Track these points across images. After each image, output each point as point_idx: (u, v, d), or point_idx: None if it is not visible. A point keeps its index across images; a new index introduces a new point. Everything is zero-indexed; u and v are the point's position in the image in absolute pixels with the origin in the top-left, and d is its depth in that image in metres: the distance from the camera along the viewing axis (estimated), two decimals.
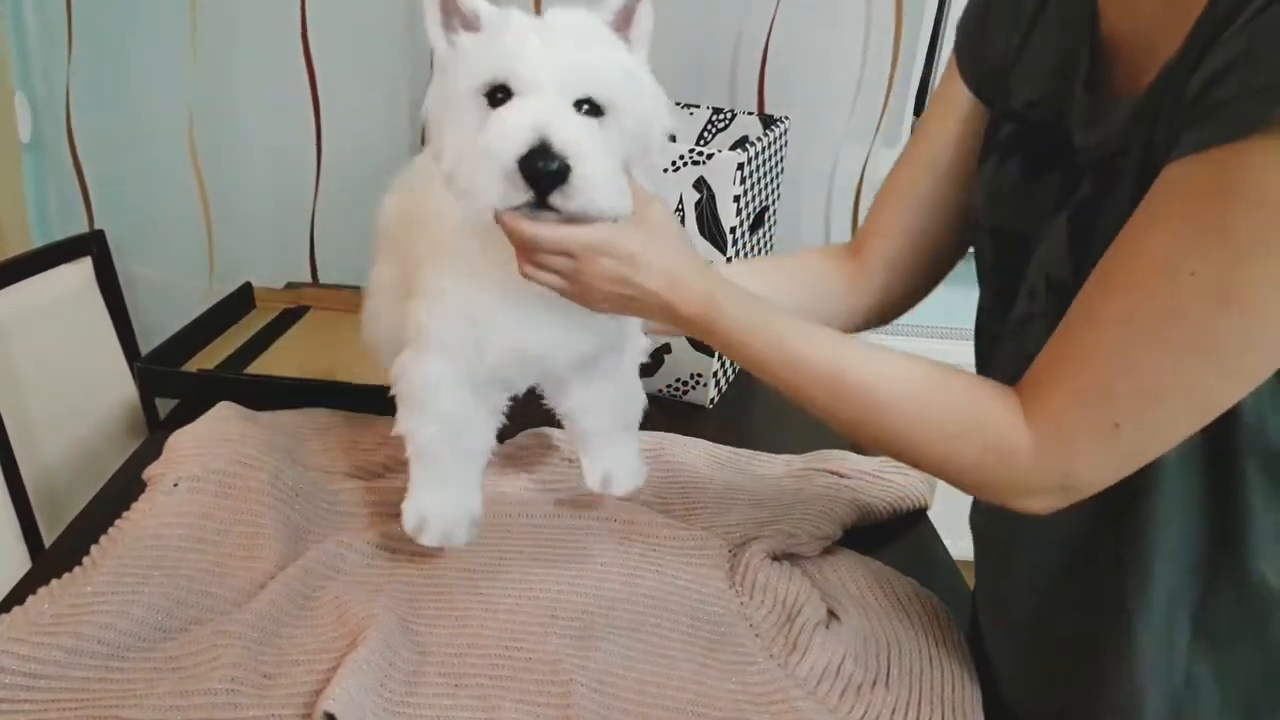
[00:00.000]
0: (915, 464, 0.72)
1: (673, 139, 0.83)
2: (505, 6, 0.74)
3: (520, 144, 0.67)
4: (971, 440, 0.66)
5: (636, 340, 0.96)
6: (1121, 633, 0.70)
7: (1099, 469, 0.63)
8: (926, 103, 1.98)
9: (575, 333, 0.82)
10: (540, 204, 0.69)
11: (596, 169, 0.69)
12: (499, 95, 0.71)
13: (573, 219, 0.71)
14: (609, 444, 0.97)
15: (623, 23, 0.76)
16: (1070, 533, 0.73)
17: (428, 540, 0.87)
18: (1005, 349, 0.78)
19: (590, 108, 0.71)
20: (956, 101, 0.86)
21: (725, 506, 1.07)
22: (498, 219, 0.71)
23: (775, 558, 0.98)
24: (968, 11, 0.87)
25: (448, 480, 0.88)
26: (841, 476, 1.13)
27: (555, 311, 0.81)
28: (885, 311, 0.95)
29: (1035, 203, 0.72)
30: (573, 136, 0.68)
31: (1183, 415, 0.60)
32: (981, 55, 0.83)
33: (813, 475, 1.14)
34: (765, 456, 1.18)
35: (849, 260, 0.94)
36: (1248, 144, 0.53)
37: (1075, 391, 0.62)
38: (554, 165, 0.67)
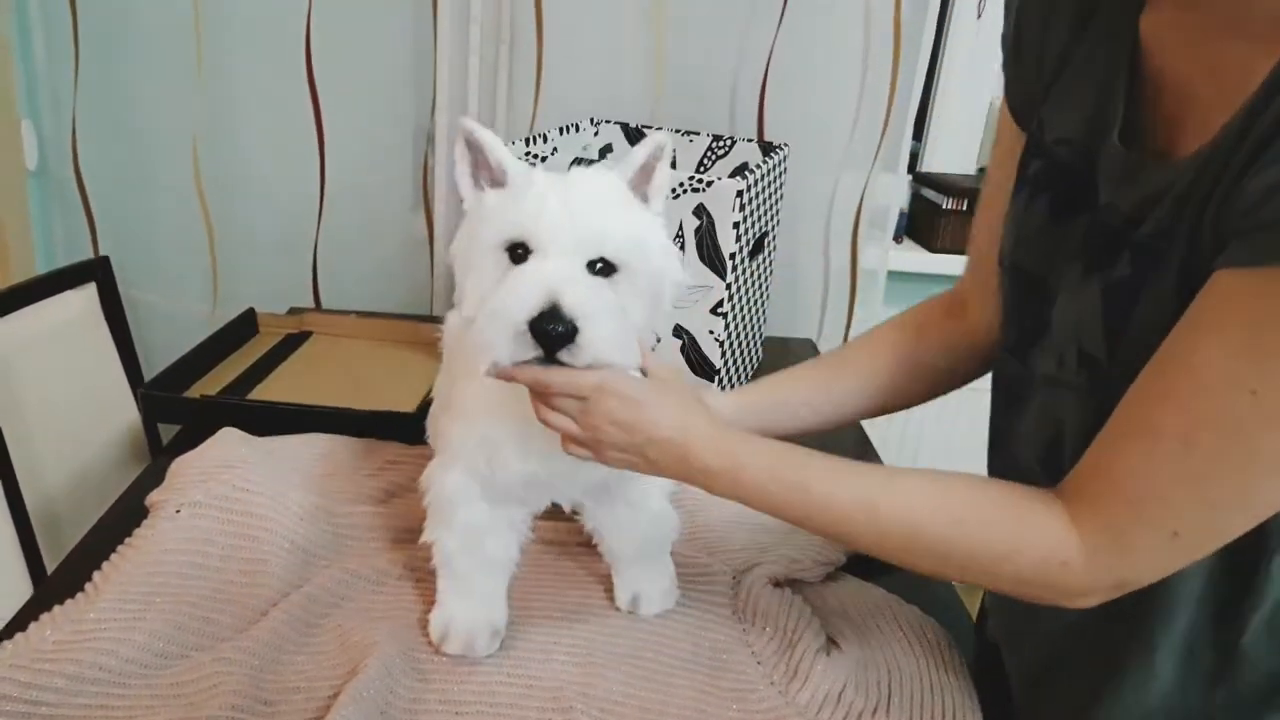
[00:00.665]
0: (971, 583, 0.72)
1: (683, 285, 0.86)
2: (531, 167, 0.79)
3: (532, 306, 0.70)
4: (1023, 556, 0.66)
5: None
6: (1143, 667, 0.71)
7: (1155, 569, 0.64)
8: (926, 128, 2.00)
9: (586, 466, 0.83)
10: (549, 359, 0.72)
11: (603, 329, 0.72)
12: (519, 251, 0.74)
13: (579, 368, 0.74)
14: (636, 566, 0.96)
15: (643, 178, 0.80)
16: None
17: (450, 649, 0.88)
18: (1032, 403, 0.77)
19: (604, 265, 0.75)
20: (1006, 135, 0.84)
21: (729, 531, 1.07)
22: (503, 374, 0.75)
23: (778, 584, 0.98)
24: (1005, 28, 0.84)
25: (472, 591, 0.89)
26: None
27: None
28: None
29: (1060, 247, 0.71)
30: (581, 299, 0.71)
31: (1240, 520, 0.60)
32: (1018, 76, 0.82)
33: None
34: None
35: (949, 322, 0.95)
36: None
37: (1132, 503, 0.62)
38: (562, 328, 0.70)
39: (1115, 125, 0.69)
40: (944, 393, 0.95)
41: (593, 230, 0.74)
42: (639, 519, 0.93)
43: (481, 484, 0.86)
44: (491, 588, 0.90)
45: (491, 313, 0.72)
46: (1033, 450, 0.76)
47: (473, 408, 0.87)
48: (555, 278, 0.72)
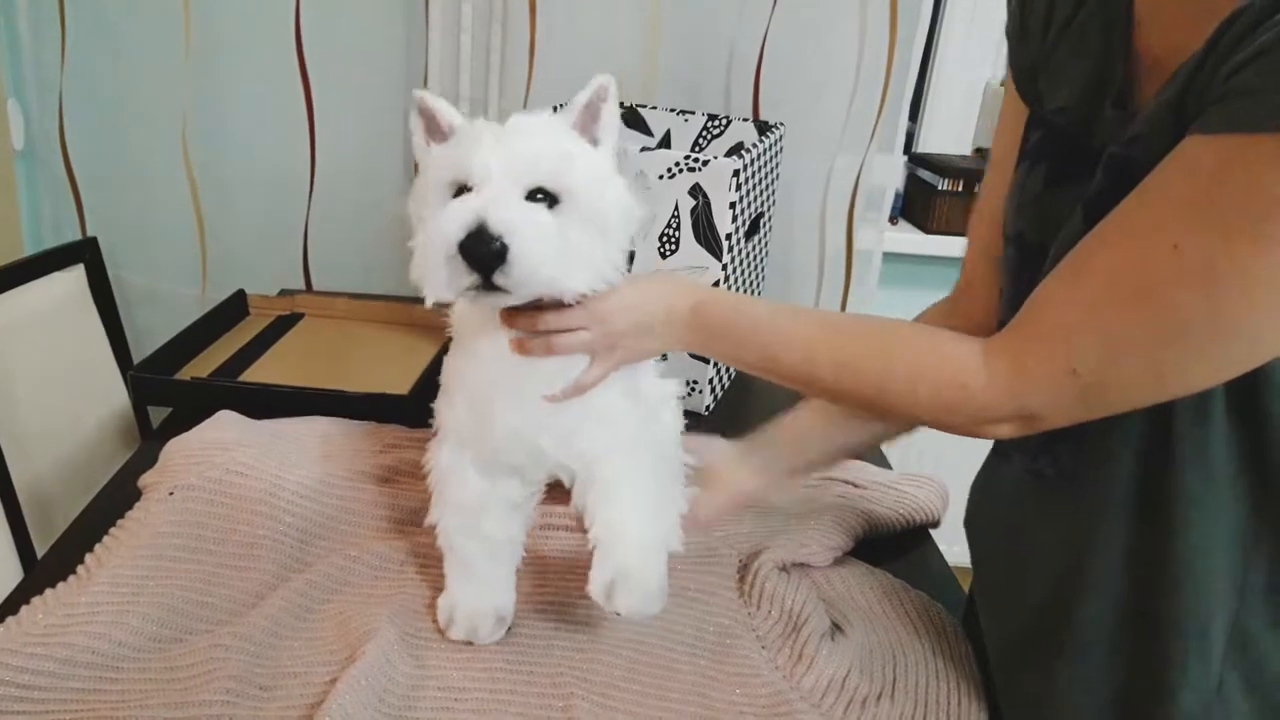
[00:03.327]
0: (888, 410, 0.75)
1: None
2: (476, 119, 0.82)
3: (459, 229, 0.72)
4: (926, 381, 0.70)
5: (661, 452, 0.91)
6: (1166, 660, 0.70)
7: (1055, 405, 0.65)
8: (922, 108, 1.99)
9: (568, 414, 0.84)
10: (487, 284, 0.73)
11: (534, 246, 0.73)
12: (461, 191, 0.76)
13: (527, 297, 0.77)
14: (621, 549, 0.82)
15: (589, 120, 0.82)
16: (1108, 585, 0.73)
17: (454, 634, 0.87)
18: None
19: (545, 196, 0.76)
20: (1011, 112, 0.85)
21: (738, 516, 1.06)
22: (508, 321, 0.80)
23: (785, 568, 0.97)
24: (1010, 5, 0.84)
25: (477, 576, 0.89)
26: (856, 487, 1.13)
27: (549, 396, 0.84)
28: None
29: (1057, 213, 0.72)
30: (507, 217, 0.72)
31: (1141, 381, 0.62)
32: (1022, 50, 0.82)
33: (828, 485, 1.14)
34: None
35: (951, 321, 0.92)
36: (1257, 140, 0.53)
37: (1040, 332, 0.65)
38: (493, 245, 0.71)
39: (1111, 91, 0.70)
40: None
41: (525, 159, 0.76)
42: (632, 497, 0.87)
43: (473, 455, 0.86)
44: (495, 572, 0.89)
45: (425, 243, 0.75)
46: None
47: (454, 381, 0.88)
48: (482, 201, 0.73)
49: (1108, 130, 0.69)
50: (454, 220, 0.72)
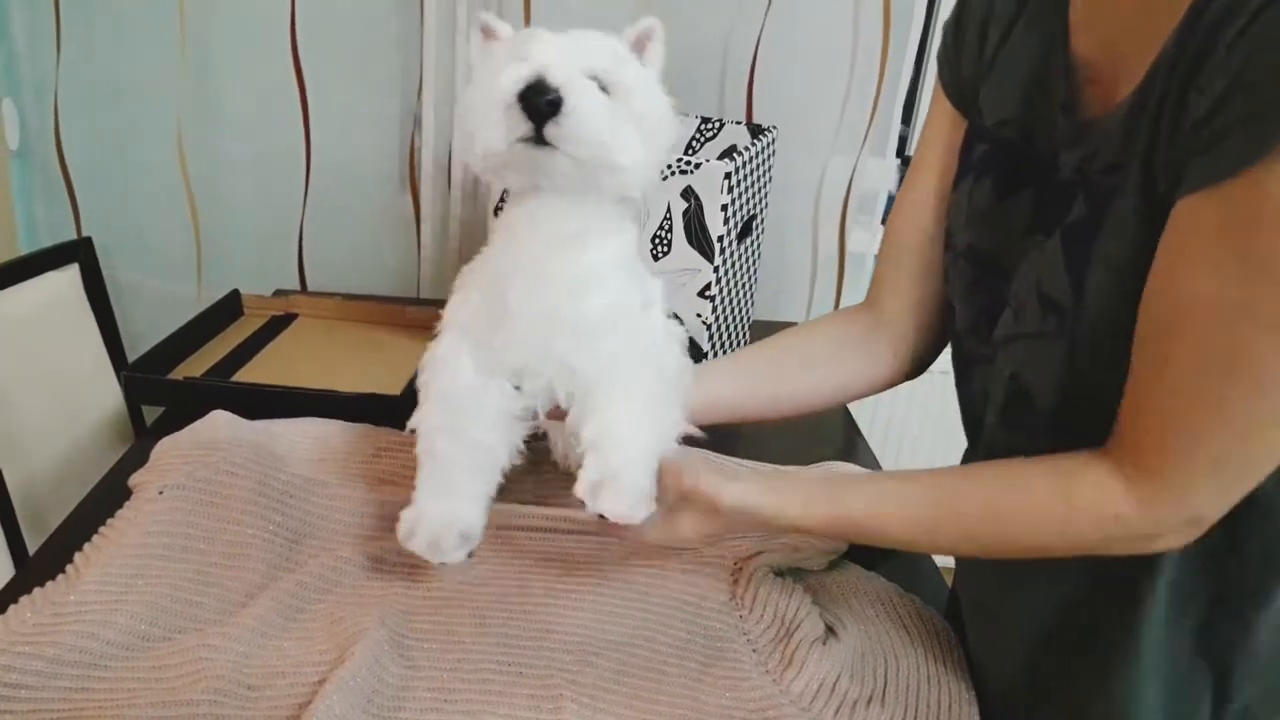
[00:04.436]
0: (1044, 556, 0.73)
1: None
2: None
3: (519, 80, 0.74)
4: (1075, 524, 0.67)
5: (664, 377, 0.87)
6: (1125, 661, 0.71)
7: (1216, 498, 0.64)
8: (915, 112, 1.99)
9: (585, 317, 0.83)
10: (539, 138, 0.75)
11: (591, 105, 0.75)
12: None
13: (575, 158, 0.77)
14: (611, 451, 0.81)
15: (638, 47, 0.84)
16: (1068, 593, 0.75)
17: (414, 546, 0.86)
18: (981, 369, 0.78)
19: (598, 85, 0.78)
20: (944, 122, 0.86)
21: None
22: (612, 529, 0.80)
23: (779, 573, 0.97)
24: (948, 20, 0.87)
25: (449, 486, 0.87)
26: None
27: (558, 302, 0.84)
28: (921, 359, 0.94)
29: (1009, 223, 0.73)
30: (568, 76, 0.74)
31: (1275, 434, 0.61)
32: (959, 65, 0.83)
33: None
34: (769, 469, 1.17)
35: (864, 317, 0.94)
36: (1257, 171, 0.53)
37: (1166, 442, 0.63)
38: (550, 96, 0.73)
39: (1057, 101, 0.71)
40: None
41: (584, 49, 0.79)
42: (629, 400, 0.84)
43: (472, 346, 0.85)
44: (470, 484, 0.87)
45: (481, 96, 0.77)
46: (994, 414, 0.77)
47: (468, 279, 0.89)
48: (543, 61, 0.75)
49: (1061, 138, 0.70)
50: (514, 73, 0.74)
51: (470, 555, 0.88)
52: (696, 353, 1.32)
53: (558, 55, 0.76)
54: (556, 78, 0.73)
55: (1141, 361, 0.63)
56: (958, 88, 0.84)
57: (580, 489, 0.79)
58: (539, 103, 0.73)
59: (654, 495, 0.81)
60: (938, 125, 0.87)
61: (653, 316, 0.89)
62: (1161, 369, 0.62)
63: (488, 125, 0.76)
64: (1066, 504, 0.67)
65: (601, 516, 0.78)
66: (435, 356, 0.87)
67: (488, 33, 0.85)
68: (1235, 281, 0.56)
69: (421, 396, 0.87)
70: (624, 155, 0.78)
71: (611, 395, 0.82)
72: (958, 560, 0.93)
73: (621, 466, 0.79)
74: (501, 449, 0.88)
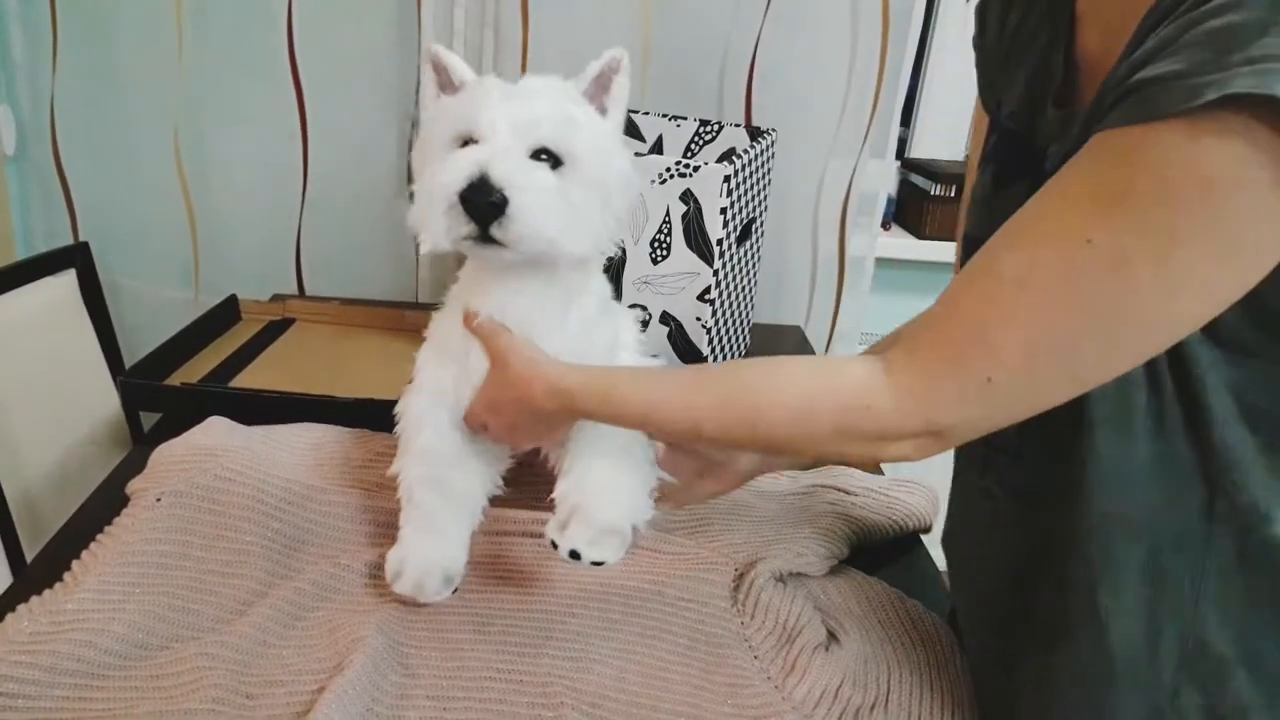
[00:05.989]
0: (782, 445, 0.73)
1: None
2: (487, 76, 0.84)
3: (461, 179, 0.73)
4: (825, 406, 0.67)
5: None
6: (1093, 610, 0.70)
7: (966, 418, 0.63)
8: (914, 114, 1.99)
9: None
10: (484, 237, 0.75)
11: (535, 200, 0.74)
12: (467, 145, 0.77)
13: (523, 255, 0.78)
14: (583, 491, 0.83)
15: (599, 90, 0.83)
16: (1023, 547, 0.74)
17: (399, 588, 0.87)
18: None
19: (549, 156, 0.77)
20: (982, 118, 0.85)
21: (730, 525, 1.06)
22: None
23: (781, 578, 0.97)
24: (977, 16, 0.86)
25: (431, 528, 0.88)
26: (848, 494, 1.12)
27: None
28: None
29: (1001, 213, 0.73)
30: (510, 170, 0.74)
31: (1057, 377, 0.60)
32: (983, 57, 0.84)
33: (819, 492, 1.13)
34: (770, 473, 1.17)
35: None
36: (1160, 125, 0.53)
37: (954, 344, 0.62)
38: (493, 197, 0.73)
39: (1051, 93, 0.71)
40: None
41: (532, 117, 0.77)
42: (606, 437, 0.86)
43: (452, 402, 0.87)
44: (452, 528, 0.88)
45: (426, 190, 0.76)
46: None
47: (437, 330, 0.91)
48: (487, 154, 0.74)
49: (1050, 130, 0.70)
50: (457, 170, 0.74)
51: (454, 592, 0.90)
52: (696, 357, 1.32)
53: (505, 131, 0.76)
54: (499, 174, 0.73)
55: (971, 265, 0.63)
56: (983, 80, 0.84)
57: (550, 529, 0.83)
58: (482, 203, 0.73)
59: (627, 542, 0.83)
60: (977, 125, 0.87)
61: (620, 359, 0.93)
62: (986, 274, 0.61)
63: (433, 224, 0.75)
64: (826, 382, 0.67)
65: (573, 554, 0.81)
66: (412, 414, 0.89)
67: (439, 70, 0.83)
68: (1090, 214, 0.56)
69: (401, 449, 0.89)
70: (574, 244, 0.79)
71: (585, 446, 0.85)
72: (950, 566, 0.92)
73: (589, 504, 0.82)
74: (481, 491, 0.91)
